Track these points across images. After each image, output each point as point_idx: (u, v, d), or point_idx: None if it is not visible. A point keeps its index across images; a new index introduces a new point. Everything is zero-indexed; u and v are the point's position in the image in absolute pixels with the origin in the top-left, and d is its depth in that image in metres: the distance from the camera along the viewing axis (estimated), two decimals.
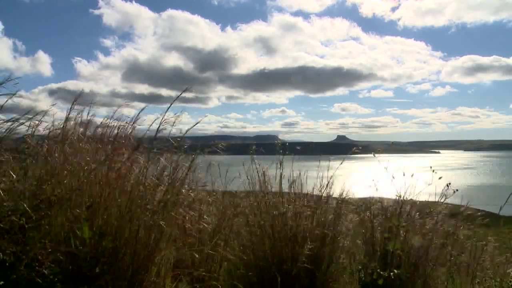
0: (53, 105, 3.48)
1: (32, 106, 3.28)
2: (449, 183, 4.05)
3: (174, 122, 3.13)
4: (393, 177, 3.94)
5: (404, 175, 3.93)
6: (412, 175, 3.93)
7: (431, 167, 3.95)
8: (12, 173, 2.64)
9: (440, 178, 3.93)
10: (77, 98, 3.31)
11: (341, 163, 4.02)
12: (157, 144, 3.14)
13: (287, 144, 3.92)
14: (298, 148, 4.04)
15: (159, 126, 3.09)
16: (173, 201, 2.97)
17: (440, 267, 4.03)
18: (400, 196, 3.93)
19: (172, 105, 3.17)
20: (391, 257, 3.77)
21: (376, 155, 4.39)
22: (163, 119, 3.10)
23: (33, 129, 3.16)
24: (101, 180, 2.78)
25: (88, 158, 2.89)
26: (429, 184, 3.94)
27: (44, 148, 3.01)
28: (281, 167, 3.79)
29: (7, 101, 2.78)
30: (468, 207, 4.49)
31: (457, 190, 4.08)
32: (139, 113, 3.29)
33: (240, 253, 3.64)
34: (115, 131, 3.29)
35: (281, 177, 3.79)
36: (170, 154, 3.21)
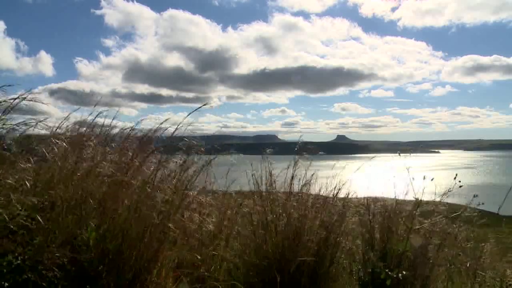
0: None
1: (33, 106, 3.28)
2: (476, 196, 4.08)
3: (190, 124, 3.17)
4: (413, 179, 3.92)
5: (424, 178, 3.92)
6: (432, 179, 3.92)
7: (456, 176, 3.92)
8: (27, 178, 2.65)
9: (461, 186, 3.92)
10: (97, 103, 3.35)
11: (375, 158, 4.00)
12: (167, 144, 3.17)
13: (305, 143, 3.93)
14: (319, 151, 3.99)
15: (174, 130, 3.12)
16: (178, 203, 2.98)
17: (440, 267, 4.03)
18: (416, 198, 3.92)
19: (172, 105, 3.21)
20: (390, 257, 3.78)
21: (375, 155, 4.40)
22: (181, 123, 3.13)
23: (34, 129, 3.17)
24: (111, 182, 2.79)
25: (99, 158, 2.90)
26: (449, 191, 3.94)
27: (53, 150, 3.01)
28: (295, 167, 3.81)
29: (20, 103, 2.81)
30: (467, 207, 4.50)
31: (465, 194, 4.10)
32: (161, 123, 3.29)
33: (241, 253, 3.65)
34: (122, 132, 3.31)
35: (292, 177, 3.81)
36: (182, 155, 3.23)
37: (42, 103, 2.93)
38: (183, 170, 3.20)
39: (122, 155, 3.09)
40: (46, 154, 2.87)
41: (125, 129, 3.44)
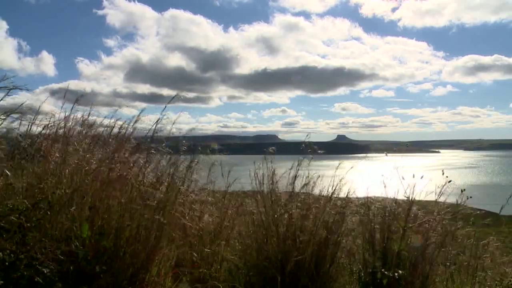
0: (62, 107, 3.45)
1: (34, 106, 3.29)
2: (464, 189, 4.09)
3: (174, 122, 3.17)
4: (403, 178, 3.90)
5: (413, 176, 3.91)
6: (421, 177, 3.91)
7: (443, 172, 3.91)
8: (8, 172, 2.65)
9: (449, 181, 3.90)
10: (78, 98, 3.34)
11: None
12: (157, 144, 3.17)
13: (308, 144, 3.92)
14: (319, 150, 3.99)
15: (154, 126, 3.12)
16: (172, 200, 2.98)
17: (440, 267, 4.02)
18: (408, 197, 3.91)
19: (173, 105, 3.22)
20: (391, 257, 3.77)
21: (376, 155, 4.39)
22: (158, 120, 3.14)
23: (29, 127, 3.17)
24: (102, 179, 2.78)
25: (88, 156, 2.90)
26: (441, 191, 3.92)
27: (43, 146, 3.01)
28: (298, 167, 3.80)
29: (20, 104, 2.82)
30: (468, 207, 4.48)
31: (467, 194, 4.10)
32: (139, 113, 3.31)
33: (241, 252, 3.64)
34: (115, 131, 3.32)
35: (295, 177, 3.80)
36: (171, 154, 3.23)
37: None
38: (175, 168, 3.20)
39: (113, 152, 3.08)
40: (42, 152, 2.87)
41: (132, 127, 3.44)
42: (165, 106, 3.20)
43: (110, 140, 3.23)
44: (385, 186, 4.10)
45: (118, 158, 2.93)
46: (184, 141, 3.39)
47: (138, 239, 2.71)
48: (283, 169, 3.86)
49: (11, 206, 2.30)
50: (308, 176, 3.89)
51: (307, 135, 4.06)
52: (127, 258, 2.67)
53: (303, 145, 3.88)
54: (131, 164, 2.99)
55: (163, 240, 2.87)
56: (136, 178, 2.92)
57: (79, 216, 2.59)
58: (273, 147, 3.96)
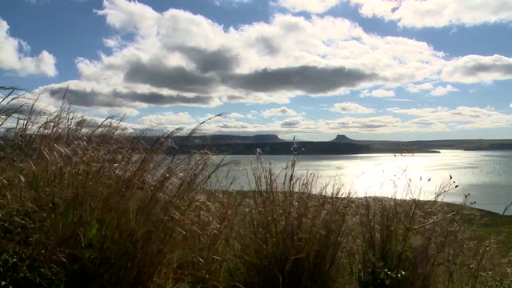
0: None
1: (33, 106, 3.28)
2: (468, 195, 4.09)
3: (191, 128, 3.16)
4: (410, 180, 3.88)
5: (421, 179, 3.89)
6: (429, 180, 3.89)
7: (451, 177, 3.89)
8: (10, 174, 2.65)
9: (456, 186, 3.87)
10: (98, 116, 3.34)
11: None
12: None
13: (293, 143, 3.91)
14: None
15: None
16: (184, 204, 2.97)
17: (440, 267, 4.03)
18: (414, 199, 3.89)
19: (173, 105, 3.23)
20: (391, 257, 3.78)
21: (377, 155, 4.40)
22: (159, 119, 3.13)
23: (24, 126, 3.16)
24: (111, 181, 2.78)
25: (95, 156, 2.90)
26: (445, 191, 3.88)
27: (42, 146, 3.00)
28: (293, 167, 3.80)
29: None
30: (468, 207, 4.49)
31: (467, 194, 4.10)
32: (180, 127, 3.30)
33: (241, 253, 3.64)
34: (119, 132, 3.32)
35: (291, 177, 3.81)
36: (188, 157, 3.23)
37: None
38: (192, 173, 3.19)
39: (123, 154, 3.07)
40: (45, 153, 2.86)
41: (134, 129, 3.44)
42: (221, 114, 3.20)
43: (118, 140, 3.22)
44: (394, 186, 4.08)
45: (125, 158, 2.93)
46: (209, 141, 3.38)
47: (148, 243, 2.70)
48: (283, 169, 3.87)
49: (15, 208, 2.29)
50: (306, 176, 3.89)
51: (294, 137, 4.06)
52: (135, 260, 2.66)
53: (295, 145, 3.89)
54: (142, 166, 2.98)
55: (172, 243, 2.87)
56: (152, 179, 2.92)
57: (86, 217, 2.58)
58: (267, 148, 3.95)
